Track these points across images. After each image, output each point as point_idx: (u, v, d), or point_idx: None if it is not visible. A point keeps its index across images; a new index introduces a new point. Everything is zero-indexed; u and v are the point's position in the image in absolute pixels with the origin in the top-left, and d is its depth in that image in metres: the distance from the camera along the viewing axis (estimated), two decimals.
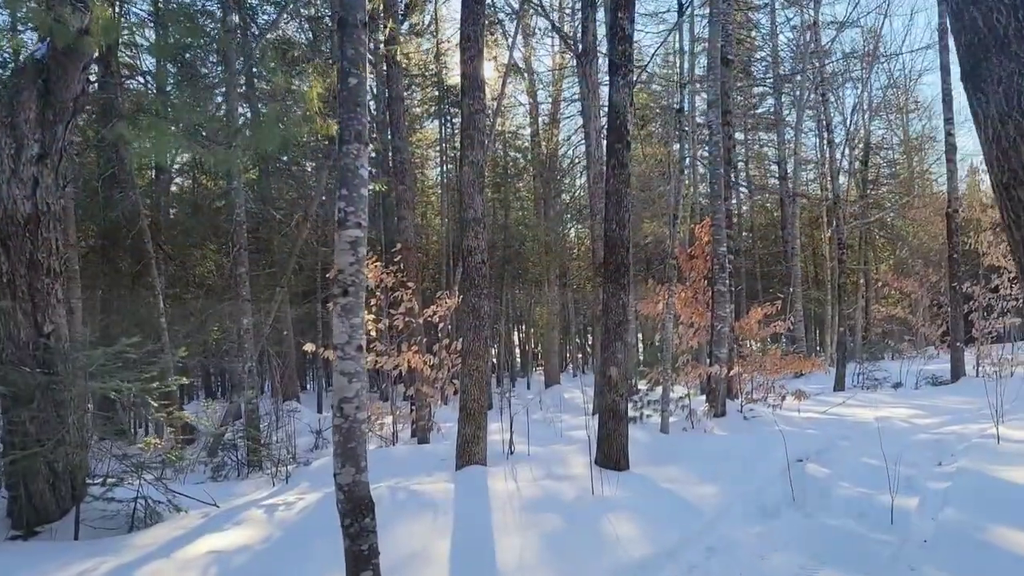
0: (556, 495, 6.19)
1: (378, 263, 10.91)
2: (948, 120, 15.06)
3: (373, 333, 10.79)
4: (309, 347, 10.31)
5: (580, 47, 17.61)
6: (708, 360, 10.19)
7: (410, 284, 11.33)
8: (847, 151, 30.22)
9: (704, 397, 10.35)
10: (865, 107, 32.22)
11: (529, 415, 18.28)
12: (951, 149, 15.05)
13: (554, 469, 7.49)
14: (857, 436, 8.70)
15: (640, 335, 31.86)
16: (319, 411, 22.96)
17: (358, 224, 3.16)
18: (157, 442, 6.62)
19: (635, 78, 8.27)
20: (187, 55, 12.84)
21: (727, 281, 9.97)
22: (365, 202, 3.17)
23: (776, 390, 10.69)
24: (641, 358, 17.60)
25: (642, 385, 11.77)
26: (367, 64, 3.59)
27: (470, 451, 7.78)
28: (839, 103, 30.58)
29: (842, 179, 28.63)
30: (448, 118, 28.45)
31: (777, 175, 33.01)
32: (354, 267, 3.17)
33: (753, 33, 32.59)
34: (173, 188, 22.26)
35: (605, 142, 8.14)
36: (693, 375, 10.04)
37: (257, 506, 6.47)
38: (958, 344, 14.93)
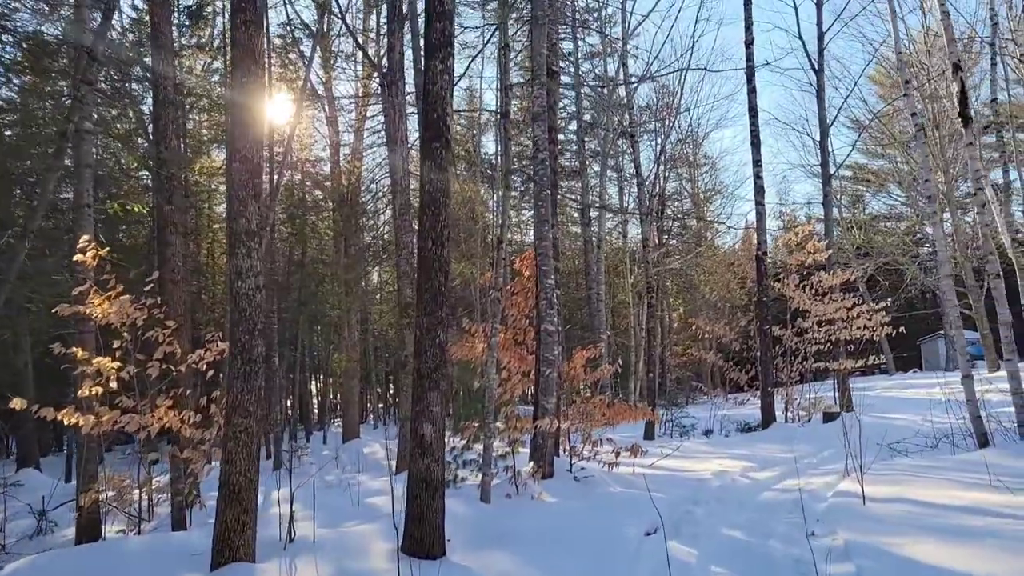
0: None
1: (124, 296, 8.51)
2: (756, 163, 15.08)
3: (114, 384, 8.35)
4: (18, 403, 7.61)
5: (385, 67, 16.10)
6: (534, 411, 8.76)
7: (170, 323, 8.98)
8: (646, 200, 31.64)
9: (528, 453, 8.87)
10: (663, 158, 33.54)
11: (323, 477, 16.04)
12: (759, 191, 15.04)
13: (348, 563, 5.64)
14: (706, 499, 7.58)
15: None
16: (68, 479, 19.05)
17: None
18: None
19: (454, 72, 6.84)
20: None
21: (555, 319, 8.66)
22: None
23: (604, 443, 9.47)
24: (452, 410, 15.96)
25: (455, 441, 10.09)
26: None
27: (232, 543, 5.71)
28: (636, 152, 31.52)
29: (640, 228, 29.24)
30: None
31: (580, 222, 33.36)
32: None
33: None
34: None
35: (419, 140, 6.58)
36: (517, 429, 8.54)
37: None
38: (769, 389, 14.73)
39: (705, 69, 21.69)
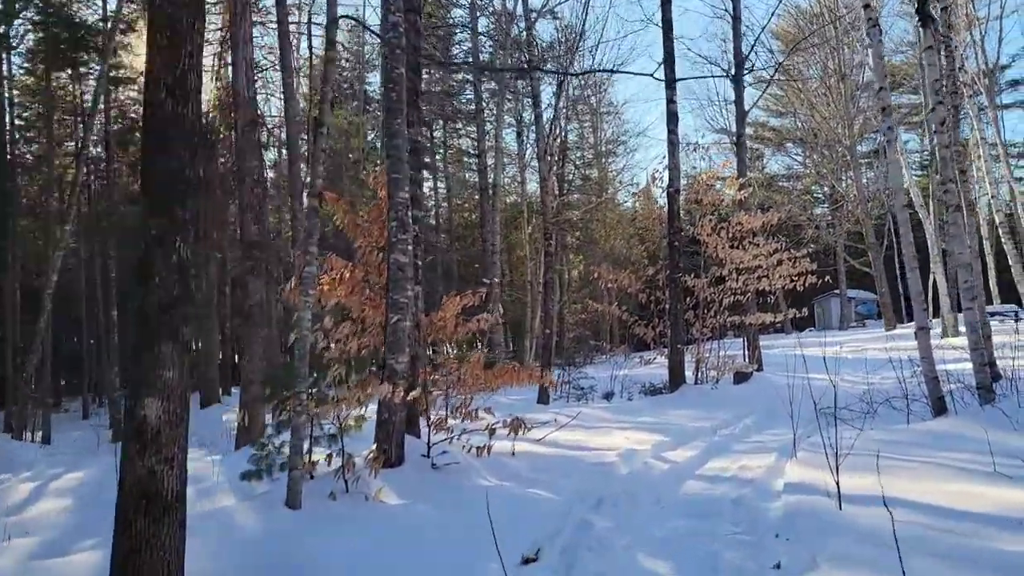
0: None
1: None
2: (670, 84, 12.91)
3: None
4: None
5: None
6: (381, 373, 6.36)
7: None
8: (545, 148, 29.93)
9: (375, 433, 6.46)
10: (562, 104, 31.61)
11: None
12: (672, 119, 12.93)
13: None
14: (612, 495, 5.39)
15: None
16: None
17: None
18: None
19: None
20: None
21: (409, 248, 6.24)
22: None
23: (480, 415, 7.17)
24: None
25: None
26: None
27: None
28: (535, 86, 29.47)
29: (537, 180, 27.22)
30: None
31: (476, 168, 31.07)
32: None
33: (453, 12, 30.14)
34: None
35: None
36: (354, 399, 6.10)
37: None
38: (679, 346, 12.82)
39: None
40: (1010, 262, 20.69)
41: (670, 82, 12.89)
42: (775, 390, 13.74)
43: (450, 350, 8.70)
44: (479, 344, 13.92)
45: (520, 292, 32.37)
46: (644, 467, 6.44)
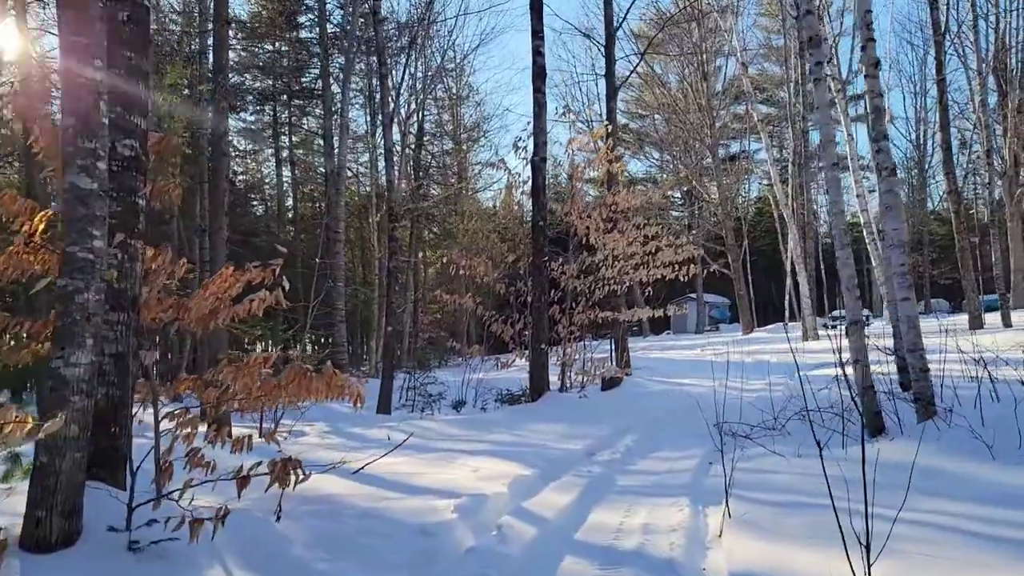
0: None
1: None
2: (537, 33, 10.71)
3: None
4: None
5: None
6: (49, 390, 3.68)
7: None
8: (399, 132, 27.87)
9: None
10: (418, 86, 29.51)
11: None
12: (539, 75, 10.75)
13: None
14: None
15: None
16: None
17: None
18: None
19: None
20: None
21: (100, 168, 3.57)
22: None
23: (246, 447, 4.60)
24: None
25: None
26: None
27: None
28: (396, 76, 27.01)
29: (395, 160, 24.72)
30: None
31: (323, 151, 28.22)
32: None
33: None
34: None
35: None
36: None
37: None
38: (542, 347, 10.66)
39: None
40: (873, 264, 20.24)
41: (537, 31, 10.72)
42: (651, 399, 11.96)
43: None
44: (293, 340, 11.25)
45: (370, 289, 29.80)
46: (497, 535, 4.07)
